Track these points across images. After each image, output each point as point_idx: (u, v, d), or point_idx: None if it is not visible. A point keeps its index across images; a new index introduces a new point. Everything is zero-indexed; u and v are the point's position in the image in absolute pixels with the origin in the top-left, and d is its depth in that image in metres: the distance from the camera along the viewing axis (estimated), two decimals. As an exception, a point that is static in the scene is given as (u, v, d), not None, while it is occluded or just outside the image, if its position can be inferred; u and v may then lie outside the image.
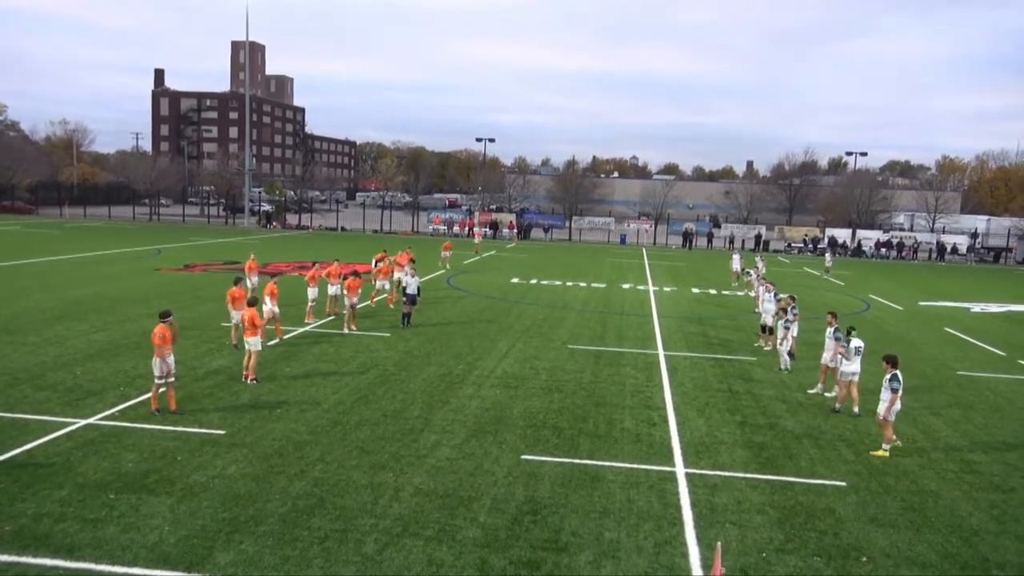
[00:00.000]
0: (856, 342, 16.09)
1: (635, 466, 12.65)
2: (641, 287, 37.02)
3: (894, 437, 13.85)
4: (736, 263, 40.21)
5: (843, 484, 12.28)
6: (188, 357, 17.89)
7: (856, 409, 15.90)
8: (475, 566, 9.10)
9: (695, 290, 36.94)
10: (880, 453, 13.66)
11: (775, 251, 68.55)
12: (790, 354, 19.77)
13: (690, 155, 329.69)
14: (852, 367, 16.01)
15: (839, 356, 16.46)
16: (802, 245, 70.96)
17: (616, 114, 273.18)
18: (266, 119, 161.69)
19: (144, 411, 14.05)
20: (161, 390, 14.10)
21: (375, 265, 29.91)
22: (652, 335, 24.19)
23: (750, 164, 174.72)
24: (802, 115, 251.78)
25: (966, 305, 35.61)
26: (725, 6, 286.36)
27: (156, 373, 13.94)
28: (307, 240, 59.06)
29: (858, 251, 69.46)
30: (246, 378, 16.37)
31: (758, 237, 70.59)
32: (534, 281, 36.86)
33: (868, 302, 35.19)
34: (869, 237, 71.46)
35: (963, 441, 14.82)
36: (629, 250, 64.20)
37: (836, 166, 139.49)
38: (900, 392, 13.69)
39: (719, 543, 7.59)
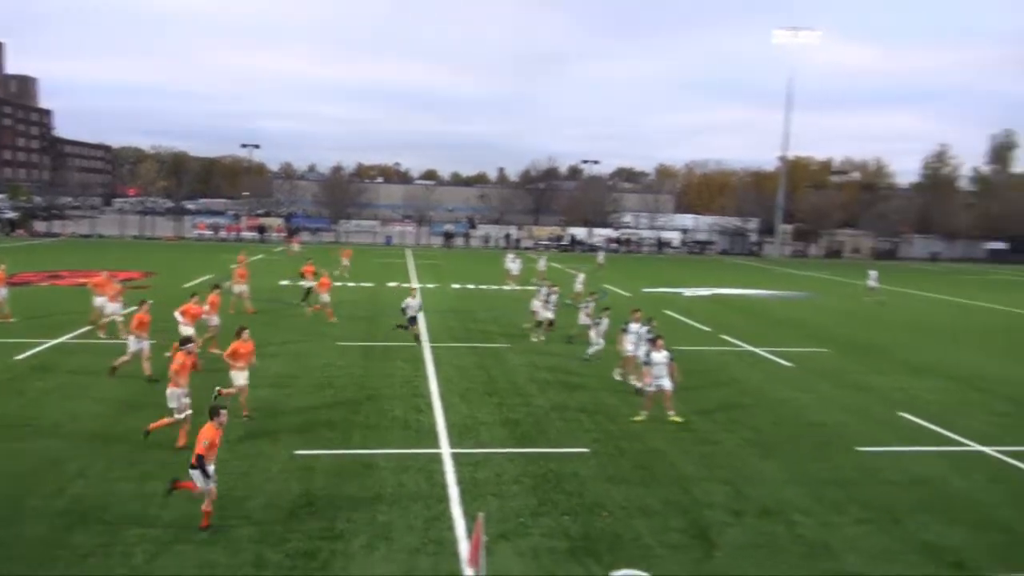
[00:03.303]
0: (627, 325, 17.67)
1: (405, 451, 12.75)
2: (406, 285, 37.11)
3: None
4: (510, 261, 40.71)
5: (586, 450, 13.17)
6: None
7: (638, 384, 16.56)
8: (251, 563, 8.73)
9: (455, 286, 37.72)
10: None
11: (525, 248, 71.64)
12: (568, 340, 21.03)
13: (448, 161, 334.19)
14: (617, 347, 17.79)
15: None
16: (547, 243, 75.08)
17: (379, 122, 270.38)
18: (7, 121, 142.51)
19: None
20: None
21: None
22: (418, 329, 24.34)
23: (501, 170, 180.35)
24: (546, 126, 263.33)
25: (680, 290, 39.46)
26: (472, 27, 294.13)
27: (173, 405, 12.44)
28: (59, 248, 52.86)
29: (584, 246, 74.59)
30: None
31: (508, 236, 73.51)
32: (303, 283, 35.60)
33: (604, 291, 37.80)
34: (602, 234, 77.10)
35: (680, 406, 16.36)
36: (394, 251, 64.12)
37: (575, 172, 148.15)
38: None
39: (481, 514, 7.85)
